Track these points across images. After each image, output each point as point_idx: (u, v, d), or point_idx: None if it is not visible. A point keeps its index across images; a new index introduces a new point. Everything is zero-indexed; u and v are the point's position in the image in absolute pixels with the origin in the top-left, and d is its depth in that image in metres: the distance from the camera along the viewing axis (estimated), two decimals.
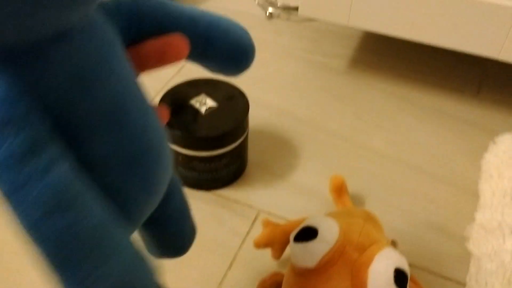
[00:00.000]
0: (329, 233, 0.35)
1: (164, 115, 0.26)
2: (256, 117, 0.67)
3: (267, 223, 0.48)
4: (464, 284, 0.49)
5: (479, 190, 0.57)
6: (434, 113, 0.69)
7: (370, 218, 0.40)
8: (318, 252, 0.34)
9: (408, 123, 0.67)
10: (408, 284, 0.35)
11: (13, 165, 0.17)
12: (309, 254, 0.35)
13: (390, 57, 0.79)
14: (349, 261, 0.35)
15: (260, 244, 0.47)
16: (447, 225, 0.54)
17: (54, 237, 0.17)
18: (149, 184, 0.22)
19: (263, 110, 0.68)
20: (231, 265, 0.50)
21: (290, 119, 0.67)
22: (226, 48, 0.27)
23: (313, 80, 0.74)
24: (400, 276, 0.34)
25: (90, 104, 0.19)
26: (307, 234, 0.36)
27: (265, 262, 0.50)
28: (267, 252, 0.49)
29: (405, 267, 0.34)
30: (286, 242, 0.47)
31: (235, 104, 0.55)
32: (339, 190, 0.52)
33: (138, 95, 0.22)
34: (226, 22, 0.27)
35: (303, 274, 0.36)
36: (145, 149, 0.21)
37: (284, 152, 0.63)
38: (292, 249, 0.37)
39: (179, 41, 0.24)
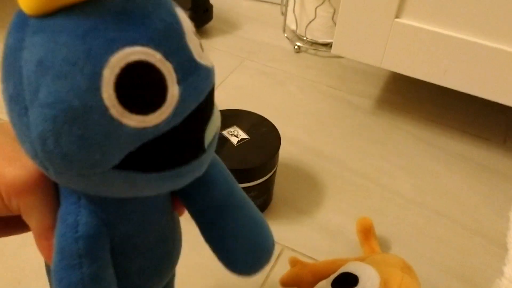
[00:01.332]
0: (370, 283, 0.34)
1: (181, 210, 0.31)
2: (281, 150, 0.66)
3: (295, 262, 0.47)
4: None
5: (507, 243, 0.56)
6: (461, 160, 0.68)
7: (407, 268, 0.39)
8: None
9: (434, 168, 0.67)
10: None
11: (80, 282, 0.24)
12: None
13: (416, 99, 0.79)
14: None
15: (287, 283, 0.46)
16: (474, 277, 0.53)
17: None
18: (159, 271, 0.31)
19: (288, 144, 0.68)
20: None
21: (315, 155, 0.67)
22: (243, 230, 0.29)
23: (338, 117, 0.74)
24: None
25: (137, 239, 0.27)
26: (347, 280, 0.35)
27: None
28: None
29: None
30: (313, 283, 0.46)
31: (266, 137, 0.55)
32: (367, 232, 0.52)
33: (167, 233, 0.30)
34: (254, 210, 0.30)
35: None
36: (161, 256, 0.30)
37: (309, 189, 0.62)
38: None
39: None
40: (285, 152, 0.67)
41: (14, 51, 0.20)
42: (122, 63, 0.19)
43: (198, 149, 0.23)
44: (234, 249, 0.29)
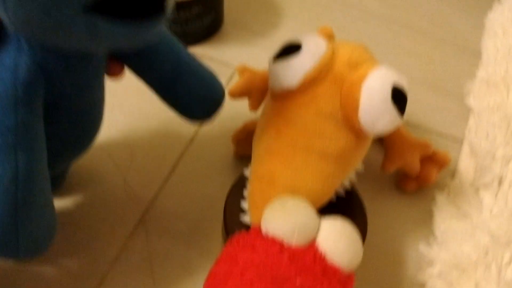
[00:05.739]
0: (315, 47, 0.29)
1: (117, 71, 0.31)
2: None
3: (243, 70, 0.41)
4: (460, 141, 0.44)
5: (481, 48, 0.51)
6: None
7: (363, 47, 0.34)
8: (302, 67, 0.28)
9: None
10: (405, 108, 0.29)
11: (14, 128, 0.24)
12: (291, 71, 0.29)
13: None
14: (339, 78, 0.29)
15: (236, 93, 0.40)
16: (445, 83, 0.49)
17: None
18: (83, 139, 0.32)
19: None
20: None
21: None
22: (195, 90, 0.33)
23: None
24: (398, 94, 0.28)
25: (71, 100, 0.28)
26: (289, 51, 0.30)
27: (241, 115, 0.44)
28: (242, 104, 0.43)
29: (404, 85, 0.29)
30: (265, 90, 0.41)
31: None
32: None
33: (96, 99, 0.31)
34: (203, 69, 0.34)
35: (284, 97, 0.30)
36: (87, 123, 0.31)
37: (265, 10, 0.55)
38: (271, 70, 0.31)
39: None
40: None
41: None
42: None
43: (160, 5, 0.23)
44: (189, 105, 0.34)
